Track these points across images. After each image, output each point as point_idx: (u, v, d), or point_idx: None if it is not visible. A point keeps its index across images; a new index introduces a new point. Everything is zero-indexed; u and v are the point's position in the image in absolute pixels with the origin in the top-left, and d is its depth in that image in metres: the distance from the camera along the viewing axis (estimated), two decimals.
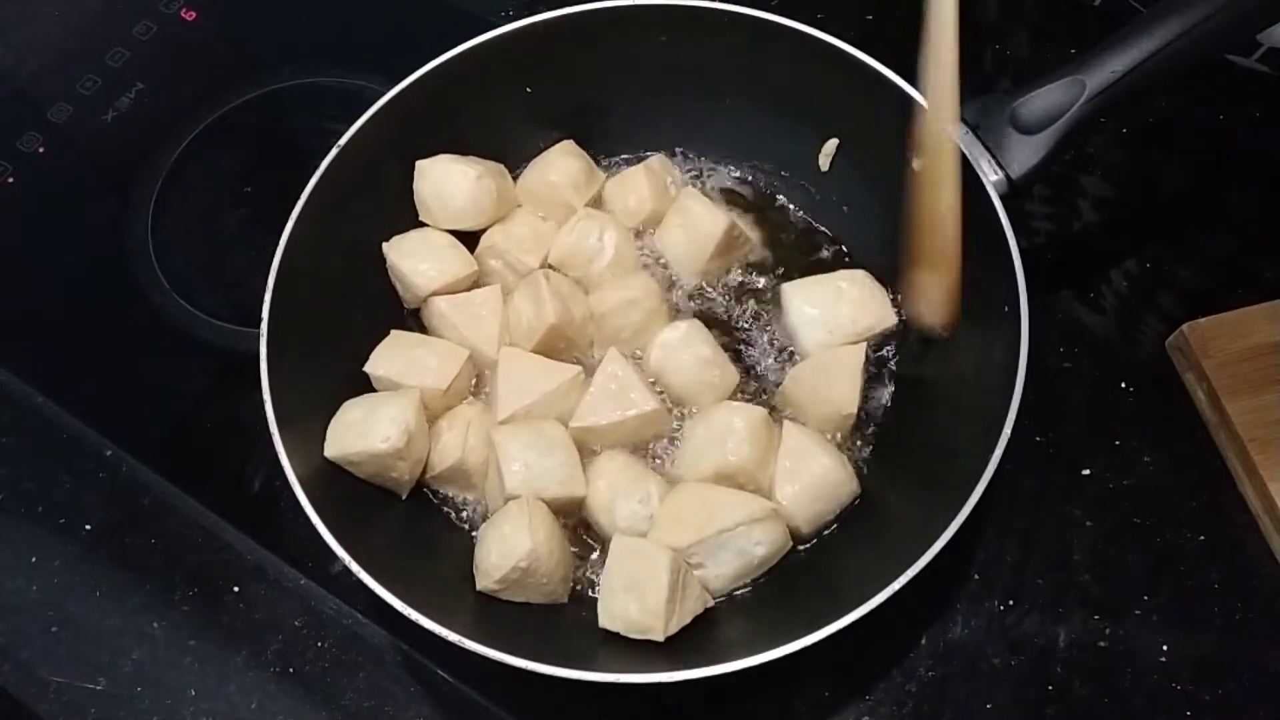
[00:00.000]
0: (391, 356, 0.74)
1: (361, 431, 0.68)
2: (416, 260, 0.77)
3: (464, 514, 0.74)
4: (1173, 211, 0.89)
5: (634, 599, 0.64)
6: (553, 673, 0.58)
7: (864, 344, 0.75)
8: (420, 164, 0.79)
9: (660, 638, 0.64)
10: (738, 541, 0.67)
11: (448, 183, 0.78)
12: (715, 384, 0.75)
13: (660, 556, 0.64)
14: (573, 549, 0.72)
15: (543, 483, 0.69)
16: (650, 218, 0.82)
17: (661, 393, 0.76)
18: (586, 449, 0.73)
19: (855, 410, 0.73)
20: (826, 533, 0.72)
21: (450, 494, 0.74)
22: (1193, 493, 0.76)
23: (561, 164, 0.81)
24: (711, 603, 0.68)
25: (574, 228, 0.80)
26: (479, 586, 0.68)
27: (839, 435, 0.75)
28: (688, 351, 0.74)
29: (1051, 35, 0.96)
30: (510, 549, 0.66)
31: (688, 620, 0.65)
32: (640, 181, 0.81)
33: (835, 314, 0.76)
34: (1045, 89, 0.69)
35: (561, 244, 0.80)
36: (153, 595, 0.74)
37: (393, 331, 0.76)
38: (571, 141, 0.83)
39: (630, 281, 0.78)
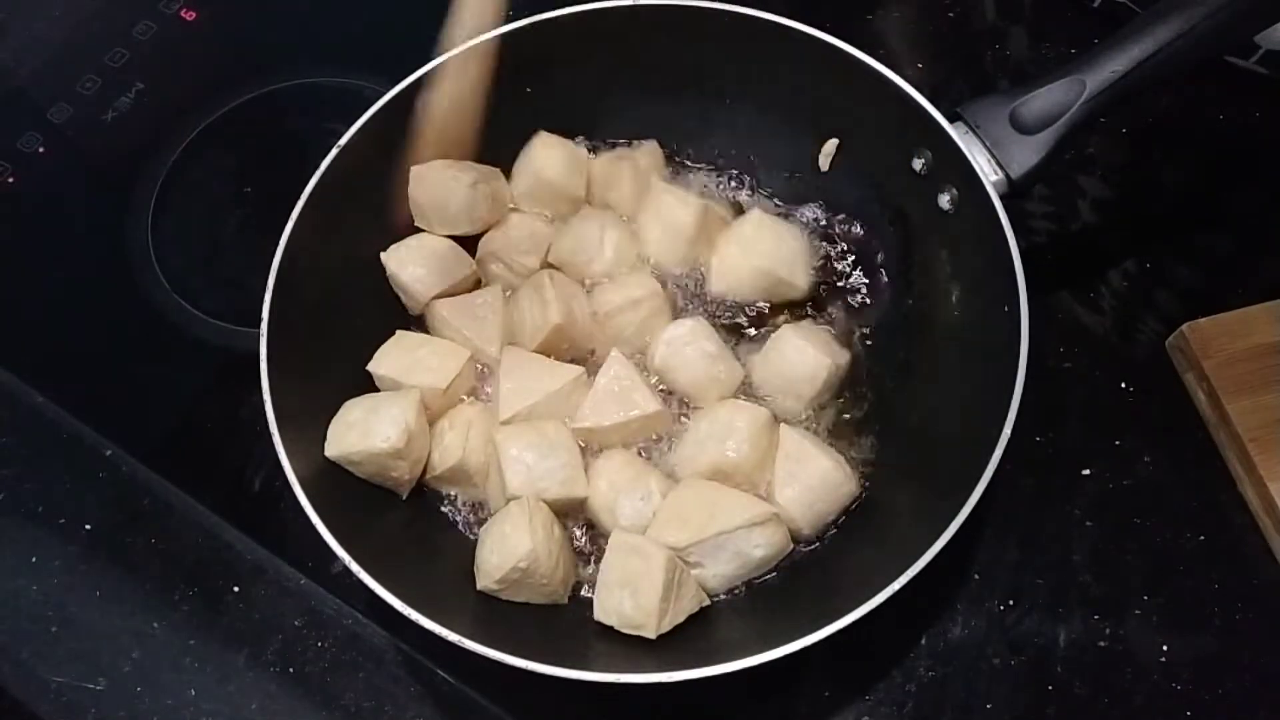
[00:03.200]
0: (394, 356, 0.74)
1: (363, 431, 0.68)
2: (415, 267, 0.77)
3: (465, 514, 0.74)
4: (1173, 211, 0.89)
5: (628, 595, 0.65)
6: (553, 673, 0.58)
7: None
8: (415, 170, 0.78)
9: (651, 635, 0.64)
10: (737, 543, 0.67)
11: (442, 188, 0.78)
12: (720, 379, 0.75)
13: (657, 555, 0.64)
14: (575, 547, 0.72)
15: (544, 483, 0.69)
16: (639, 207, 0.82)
17: (665, 390, 0.76)
18: (587, 449, 0.73)
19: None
20: (828, 534, 0.72)
21: (451, 494, 0.74)
22: (1193, 493, 0.76)
23: (547, 157, 0.80)
24: (708, 602, 0.68)
25: (572, 228, 0.79)
26: (479, 586, 0.68)
27: (819, 421, 0.75)
28: (693, 347, 0.74)
29: (1051, 35, 0.96)
30: (510, 549, 0.66)
31: (681, 620, 0.65)
32: (625, 174, 0.81)
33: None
34: (1045, 89, 0.69)
35: (561, 246, 0.80)
36: (153, 595, 0.74)
37: (398, 332, 0.76)
38: (545, 132, 0.82)
39: (632, 280, 0.78)
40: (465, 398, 0.76)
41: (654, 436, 0.75)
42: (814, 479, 0.69)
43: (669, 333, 0.75)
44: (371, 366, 0.74)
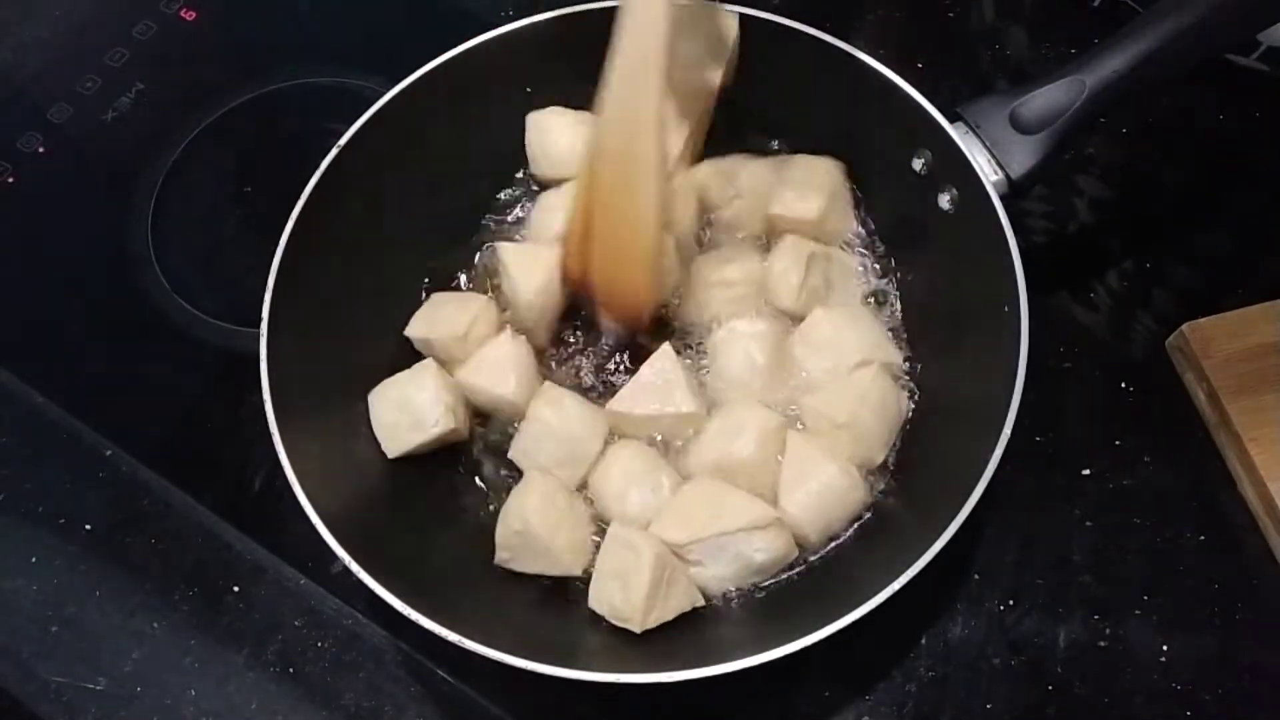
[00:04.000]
0: (425, 317, 0.77)
1: (411, 425, 0.72)
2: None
3: (467, 513, 0.74)
4: (1172, 211, 0.89)
5: (619, 588, 0.65)
6: (553, 673, 0.58)
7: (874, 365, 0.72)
8: (530, 116, 0.81)
9: (637, 629, 0.64)
10: (738, 545, 0.67)
11: (550, 132, 0.81)
12: (753, 389, 0.74)
13: (647, 551, 0.65)
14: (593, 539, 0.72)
15: (548, 452, 0.71)
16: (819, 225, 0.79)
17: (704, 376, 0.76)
18: (614, 433, 0.74)
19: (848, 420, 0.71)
20: (835, 542, 0.71)
21: (455, 491, 0.75)
22: (1193, 493, 0.76)
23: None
24: (701, 602, 0.68)
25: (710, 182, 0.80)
26: (496, 560, 0.70)
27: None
28: (745, 346, 0.74)
29: (1051, 35, 0.96)
30: (508, 515, 0.69)
31: (670, 617, 0.66)
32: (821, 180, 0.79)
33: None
34: (1045, 89, 0.69)
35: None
36: (153, 595, 0.74)
37: (433, 295, 0.79)
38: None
39: (740, 260, 0.78)
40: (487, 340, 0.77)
41: (682, 434, 0.74)
42: (820, 485, 0.69)
43: (735, 323, 0.75)
44: (409, 331, 0.77)
